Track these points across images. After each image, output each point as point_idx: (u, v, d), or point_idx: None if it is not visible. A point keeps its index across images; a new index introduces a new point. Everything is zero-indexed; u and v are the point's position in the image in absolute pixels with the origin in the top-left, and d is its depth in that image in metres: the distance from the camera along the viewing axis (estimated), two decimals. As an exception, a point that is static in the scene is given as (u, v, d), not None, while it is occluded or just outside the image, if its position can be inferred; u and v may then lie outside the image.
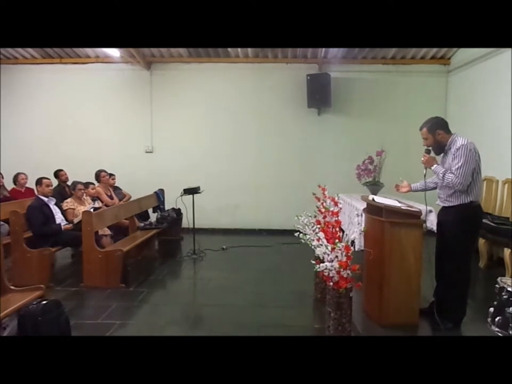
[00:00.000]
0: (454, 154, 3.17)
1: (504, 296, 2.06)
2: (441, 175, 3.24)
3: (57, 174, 6.35)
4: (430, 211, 4.29)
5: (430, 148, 3.41)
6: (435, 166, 3.32)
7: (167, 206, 6.81)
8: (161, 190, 6.97)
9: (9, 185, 6.28)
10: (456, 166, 3.13)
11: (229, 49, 7.01)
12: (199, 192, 6.03)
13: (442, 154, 3.43)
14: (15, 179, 6.20)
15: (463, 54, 6.63)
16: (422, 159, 3.40)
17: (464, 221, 3.24)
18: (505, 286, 2.09)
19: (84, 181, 5.67)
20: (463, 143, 3.15)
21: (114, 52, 6.73)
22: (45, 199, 4.87)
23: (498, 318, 2.12)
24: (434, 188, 3.59)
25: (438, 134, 3.29)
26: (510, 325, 2.01)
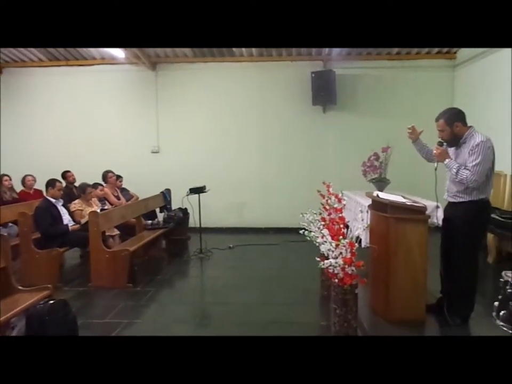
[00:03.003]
0: (471, 151, 3.06)
1: (509, 290, 2.04)
2: (454, 170, 3.12)
3: (65, 175, 6.41)
4: (437, 207, 4.24)
5: (443, 141, 3.28)
6: (448, 160, 3.20)
7: (174, 206, 6.84)
8: (168, 190, 6.99)
9: (17, 187, 6.35)
10: (473, 163, 3.03)
11: (233, 48, 7.01)
12: (205, 192, 6.05)
13: (454, 148, 3.31)
14: (23, 181, 6.28)
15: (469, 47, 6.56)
16: (434, 151, 3.27)
17: (474, 217, 3.17)
18: (510, 279, 2.07)
19: (91, 182, 5.72)
20: (482, 139, 3.05)
21: (119, 53, 6.77)
22: (53, 200, 4.92)
23: (503, 312, 2.10)
24: (429, 159, 3.45)
25: (456, 126, 3.16)
26: (515, 319, 2.00)
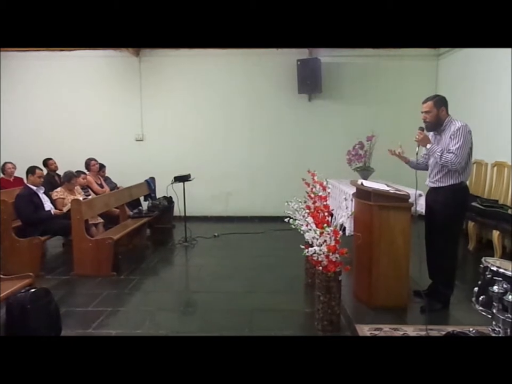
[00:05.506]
0: (453, 135, 3.18)
1: (488, 276, 2.08)
2: (438, 153, 3.20)
3: (46, 162, 6.29)
4: (420, 195, 4.30)
5: (424, 126, 3.36)
6: (430, 145, 3.28)
7: (158, 194, 6.79)
8: (152, 178, 6.94)
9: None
10: (457, 146, 3.14)
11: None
12: (190, 180, 6.01)
13: (433, 134, 3.40)
14: (3, 168, 6.14)
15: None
16: (417, 136, 3.32)
17: (454, 202, 3.26)
18: (489, 265, 2.11)
19: (74, 170, 5.62)
20: (462, 124, 3.19)
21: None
22: (34, 187, 4.83)
23: (482, 297, 2.14)
24: (424, 169, 3.55)
25: (441, 110, 3.28)
26: (493, 303, 2.04)
